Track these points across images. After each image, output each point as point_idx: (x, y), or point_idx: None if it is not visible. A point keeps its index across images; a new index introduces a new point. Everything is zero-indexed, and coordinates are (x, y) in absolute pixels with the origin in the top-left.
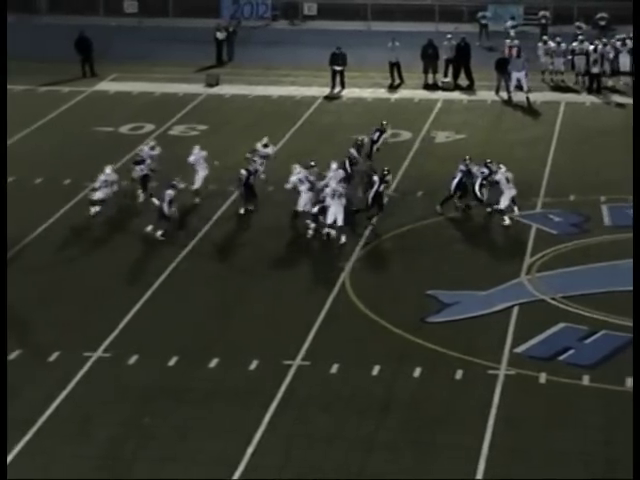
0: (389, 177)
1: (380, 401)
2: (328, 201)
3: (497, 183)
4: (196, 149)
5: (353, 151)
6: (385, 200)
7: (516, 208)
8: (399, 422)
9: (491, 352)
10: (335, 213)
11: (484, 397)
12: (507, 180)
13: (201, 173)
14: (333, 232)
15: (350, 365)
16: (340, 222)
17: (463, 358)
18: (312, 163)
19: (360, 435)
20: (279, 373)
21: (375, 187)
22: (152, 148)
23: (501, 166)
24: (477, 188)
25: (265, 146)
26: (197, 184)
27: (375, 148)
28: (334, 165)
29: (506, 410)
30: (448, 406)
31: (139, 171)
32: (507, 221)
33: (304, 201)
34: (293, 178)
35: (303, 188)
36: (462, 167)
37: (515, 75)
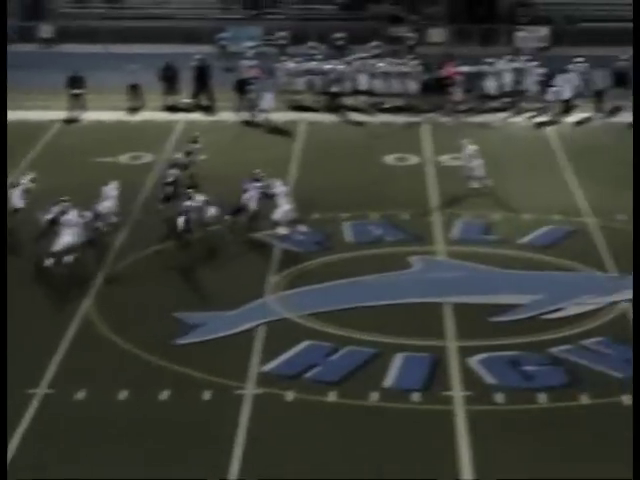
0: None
1: (129, 425)
2: (62, 229)
3: (274, 196)
4: None
5: (174, 171)
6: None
7: (283, 228)
8: (148, 445)
9: (238, 372)
10: (64, 242)
11: (232, 417)
12: (284, 194)
13: None
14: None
15: (97, 391)
16: (70, 247)
17: (210, 379)
18: (65, 198)
19: (108, 461)
20: (23, 402)
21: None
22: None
23: (276, 180)
24: (254, 201)
25: (33, 181)
26: None
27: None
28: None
29: (254, 429)
30: (196, 427)
31: None
32: (282, 231)
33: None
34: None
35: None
36: (255, 184)
37: (265, 95)
